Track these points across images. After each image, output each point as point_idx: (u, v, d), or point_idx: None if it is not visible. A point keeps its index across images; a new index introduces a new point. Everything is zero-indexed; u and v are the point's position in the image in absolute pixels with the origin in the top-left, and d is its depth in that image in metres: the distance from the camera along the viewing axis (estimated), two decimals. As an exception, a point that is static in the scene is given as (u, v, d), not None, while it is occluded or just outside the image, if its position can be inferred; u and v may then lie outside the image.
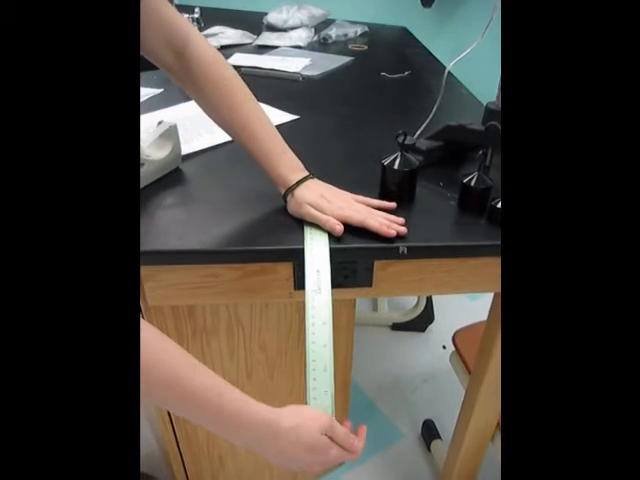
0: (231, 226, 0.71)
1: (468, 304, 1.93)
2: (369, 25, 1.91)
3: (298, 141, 0.75)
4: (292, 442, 0.57)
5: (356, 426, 0.65)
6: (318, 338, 0.61)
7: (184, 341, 0.87)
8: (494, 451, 1.07)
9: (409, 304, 1.87)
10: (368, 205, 0.72)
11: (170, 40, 0.67)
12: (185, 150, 0.89)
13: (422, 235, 0.70)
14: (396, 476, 1.38)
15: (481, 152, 0.74)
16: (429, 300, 1.85)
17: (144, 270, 0.68)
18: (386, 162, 0.75)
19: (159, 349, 0.53)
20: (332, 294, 0.63)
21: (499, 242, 0.69)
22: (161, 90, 1.22)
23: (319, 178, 0.74)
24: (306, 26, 1.82)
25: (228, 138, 0.89)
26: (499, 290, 0.80)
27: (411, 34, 1.94)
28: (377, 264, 0.71)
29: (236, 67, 0.73)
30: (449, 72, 0.88)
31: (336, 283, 0.70)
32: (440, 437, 1.42)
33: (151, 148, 0.80)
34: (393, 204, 0.73)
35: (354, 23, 1.88)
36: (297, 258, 0.67)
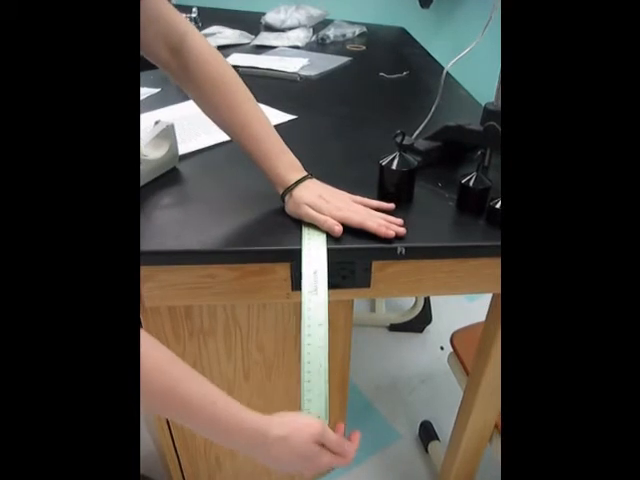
0: (228, 226, 0.71)
1: (466, 305, 1.93)
2: (367, 25, 1.91)
3: (296, 141, 0.75)
4: (282, 450, 0.58)
5: (352, 429, 0.65)
6: (314, 339, 0.61)
7: (181, 342, 0.86)
8: (492, 452, 1.07)
9: (407, 305, 1.87)
10: (366, 206, 0.72)
11: (167, 38, 0.67)
12: (182, 150, 0.89)
13: (420, 236, 0.69)
14: (393, 477, 1.37)
15: (480, 152, 0.74)
16: (427, 301, 1.85)
17: (141, 270, 0.68)
18: (384, 162, 0.75)
19: (156, 359, 0.53)
20: (329, 295, 0.63)
21: (498, 243, 0.68)
22: (158, 90, 1.22)
23: (317, 178, 0.74)
24: (304, 26, 1.82)
25: (225, 138, 0.88)
26: (498, 291, 0.80)
27: (409, 34, 1.94)
28: (375, 265, 0.71)
29: (234, 67, 0.73)
30: (447, 72, 0.88)
31: (334, 284, 0.70)
32: (438, 438, 1.41)
33: (148, 147, 0.80)
34: (391, 205, 0.73)
35: (352, 23, 1.88)
36: (295, 259, 0.66)
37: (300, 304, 0.63)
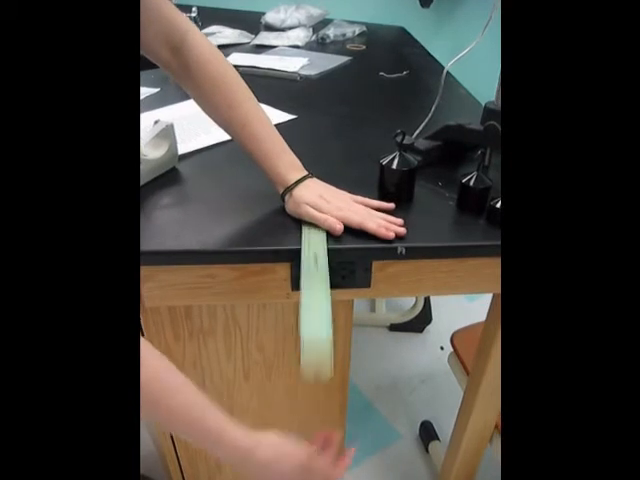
0: (228, 226, 0.70)
1: (466, 305, 1.93)
2: (367, 25, 1.90)
3: (296, 141, 0.74)
4: (266, 473, 0.58)
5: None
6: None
7: (181, 342, 0.86)
8: (492, 452, 1.07)
9: (407, 305, 1.87)
10: (367, 206, 0.72)
11: (168, 37, 0.67)
12: (182, 150, 0.89)
13: (421, 235, 0.69)
14: (394, 477, 1.37)
15: (480, 152, 0.74)
16: (427, 301, 1.85)
17: (141, 270, 0.68)
18: (384, 162, 0.75)
19: (152, 368, 0.53)
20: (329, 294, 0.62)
21: (498, 242, 0.68)
22: (158, 89, 1.22)
23: (318, 178, 0.74)
24: (304, 26, 1.81)
25: (225, 137, 0.88)
26: (498, 291, 0.80)
27: (409, 34, 1.94)
28: (375, 265, 0.71)
29: (234, 67, 0.73)
30: (447, 72, 0.88)
31: (334, 284, 0.69)
32: (438, 438, 1.41)
33: (147, 147, 0.80)
34: (392, 205, 0.73)
35: (352, 23, 1.88)
36: (295, 258, 0.66)
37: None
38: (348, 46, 1.70)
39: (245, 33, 1.71)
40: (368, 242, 0.67)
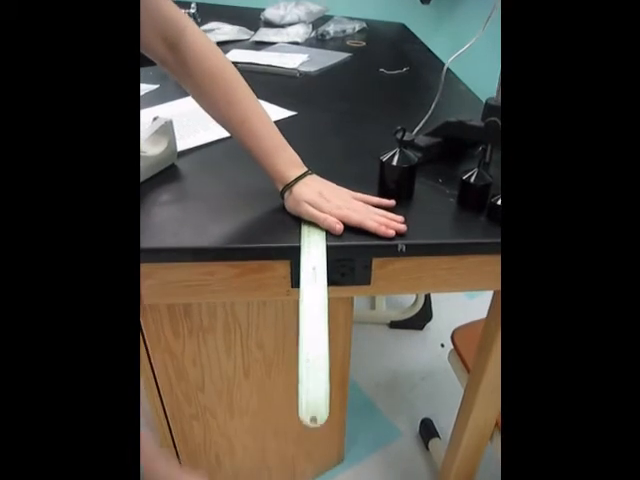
0: (227, 223, 0.70)
1: (466, 302, 1.93)
2: (367, 21, 1.90)
3: (296, 137, 0.74)
4: None
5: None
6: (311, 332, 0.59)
7: (180, 340, 0.86)
8: (493, 450, 1.07)
9: (407, 302, 1.87)
10: (367, 203, 0.71)
11: (166, 33, 0.66)
12: (181, 146, 0.88)
13: (421, 232, 0.69)
14: (394, 474, 1.37)
15: (481, 148, 0.74)
16: (427, 298, 1.84)
17: (140, 268, 0.68)
18: (385, 158, 0.74)
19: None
20: (329, 292, 0.62)
21: (499, 240, 0.68)
22: (157, 86, 1.21)
23: (317, 175, 0.73)
24: (304, 22, 1.81)
25: (224, 134, 0.88)
26: (498, 288, 0.79)
27: (409, 30, 1.93)
28: (375, 262, 0.70)
29: (233, 63, 0.72)
30: (448, 68, 0.87)
31: (333, 281, 0.69)
32: (438, 436, 1.41)
33: (146, 144, 0.79)
34: (392, 202, 0.72)
35: (352, 19, 1.87)
36: (294, 256, 0.66)
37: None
38: (348, 42, 1.69)
39: (244, 29, 1.70)
40: (368, 239, 0.67)
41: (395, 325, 1.84)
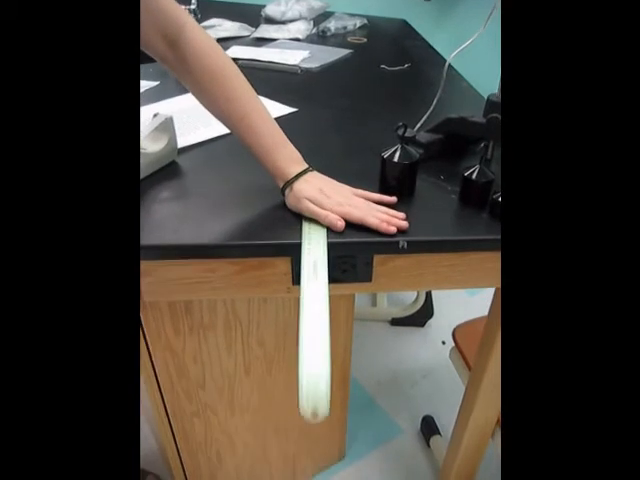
0: (228, 220, 0.70)
1: (467, 299, 1.92)
2: (368, 18, 1.89)
3: (297, 134, 0.74)
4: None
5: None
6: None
7: (181, 337, 0.86)
8: (494, 447, 1.07)
9: (408, 299, 1.87)
10: (368, 199, 0.71)
11: (165, 30, 0.66)
12: (181, 143, 0.88)
13: (422, 229, 0.69)
14: (395, 472, 1.37)
15: (482, 145, 0.73)
16: (428, 295, 1.84)
17: (140, 265, 0.67)
18: (386, 155, 0.74)
19: None
20: (330, 289, 0.62)
21: (500, 236, 0.67)
22: (157, 83, 1.21)
23: (318, 171, 0.73)
24: (305, 18, 1.80)
25: (225, 131, 0.87)
26: (500, 285, 0.79)
27: (411, 27, 1.93)
28: (377, 259, 0.70)
29: (234, 60, 0.72)
30: (449, 64, 0.87)
31: (335, 278, 0.69)
32: (439, 433, 1.41)
33: (147, 141, 0.79)
34: (393, 198, 0.72)
35: (353, 15, 1.86)
36: (295, 253, 0.66)
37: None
38: (349, 39, 1.69)
39: (245, 26, 1.70)
40: (369, 236, 0.67)
41: (396, 322, 1.83)
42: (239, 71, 0.71)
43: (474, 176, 0.72)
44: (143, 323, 0.81)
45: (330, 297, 0.59)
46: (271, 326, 0.92)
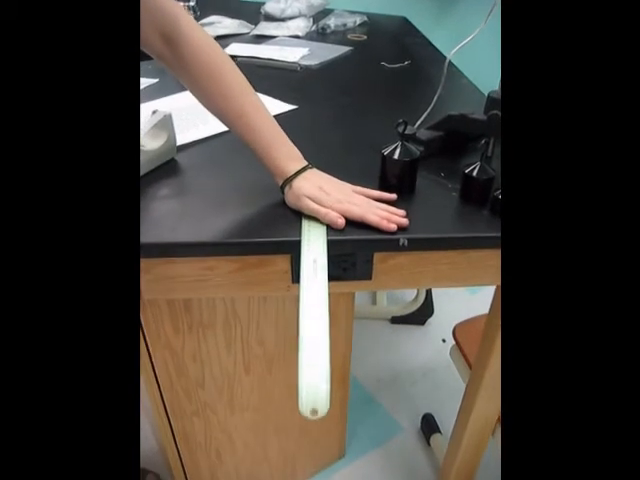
0: (228, 218, 0.69)
1: (468, 297, 1.92)
2: (368, 15, 1.88)
3: (297, 131, 0.73)
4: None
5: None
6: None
7: (180, 335, 0.85)
8: (495, 445, 1.06)
9: (408, 297, 1.86)
10: (367, 196, 0.70)
11: (161, 27, 0.65)
12: (180, 140, 0.87)
13: (423, 227, 0.68)
14: (395, 470, 1.37)
15: (483, 142, 0.73)
16: (429, 293, 1.84)
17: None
18: (386, 152, 0.74)
19: None
20: (330, 287, 0.61)
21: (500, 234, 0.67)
22: (156, 80, 1.20)
23: (318, 169, 0.72)
24: (304, 16, 1.79)
25: (224, 128, 0.86)
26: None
27: (411, 24, 1.92)
28: (377, 256, 0.70)
29: (233, 57, 0.71)
30: (450, 61, 0.86)
31: (335, 276, 0.69)
32: (440, 431, 1.41)
33: (145, 138, 0.79)
34: (393, 195, 0.72)
35: (353, 13, 1.85)
36: (295, 250, 0.65)
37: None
38: (349, 36, 1.68)
39: (245, 23, 1.69)
40: (369, 234, 0.66)
41: (396, 320, 1.83)
42: (237, 68, 0.70)
43: (475, 173, 0.71)
44: (142, 322, 0.80)
45: (330, 295, 0.59)
46: (271, 325, 0.91)
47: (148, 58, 0.68)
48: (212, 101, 0.70)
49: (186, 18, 0.67)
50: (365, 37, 1.68)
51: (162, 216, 0.69)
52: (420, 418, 1.47)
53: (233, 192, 0.75)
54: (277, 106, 1.06)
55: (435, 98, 0.90)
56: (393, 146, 0.73)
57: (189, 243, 0.65)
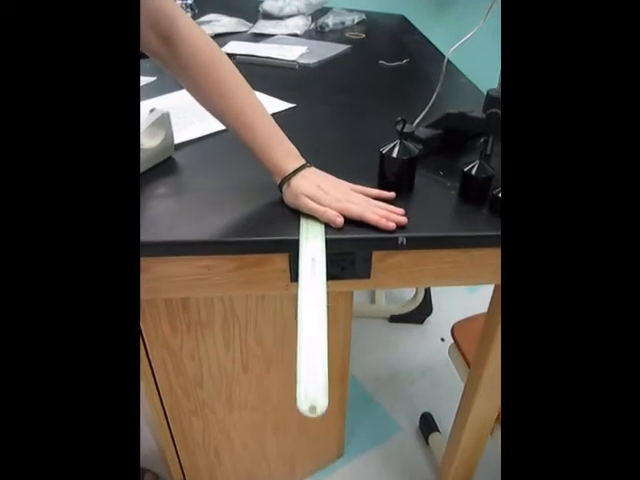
0: (226, 216, 0.69)
1: (467, 296, 1.92)
2: (367, 13, 1.88)
3: (295, 130, 0.73)
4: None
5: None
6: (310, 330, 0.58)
7: (178, 334, 0.85)
8: (493, 445, 1.06)
9: (407, 296, 1.86)
10: (366, 195, 0.70)
11: (157, 25, 0.65)
12: (178, 139, 0.87)
13: (422, 225, 0.68)
14: (394, 469, 1.37)
15: (482, 140, 0.73)
16: (427, 292, 1.84)
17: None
18: (385, 150, 0.73)
19: None
20: (328, 286, 0.61)
21: (500, 232, 0.67)
22: (154, 78, 1.20)
23: (317, 167, 0.72)
24: (303, 14, 1.79)
25: (222, 127, 0.86)
26: (500, 282, 0.78)
27: (409, 22, 1.92)
28: (375, 255, 0.69)
29: (231, 55, 0.71)
30: (448, 60, 0.86)
31: (333, 274, 0.68)
32: (438, 430, 1.41)
33: (143, 136, 0.78)
34: (392, 194, 0.71)
35: (351, 11, 1.85)
36: (293, 249, 0.65)
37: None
38: (347, 34, 1.68)
39: (243, 21, 1.69)
40: (368, 232, 0.66)
41: (395, 319, 1.83)
42: (234, 67, 0.70)
43: (474, 172, 0.71)
44: (140, 320, 0.80)
45: (328, 294, 0.59)
46: (269, 324, 0.91)
47: (146, 56, 0.68)
48: (210, 100, 0.70)
49: (184, 18, 0.67)
50: (363, 35, 1.68)
51: (160, 215, 0.69)
52: (419, 417, 1.47)
53: (231, 191, 0.75)
54: (275, 104, 1.05)
55: (434, 96, 0.90)
56: (392, 144, 0.73)
57: (187, 242, 0.65)
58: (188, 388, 0.94)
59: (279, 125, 0.71)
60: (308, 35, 1.67)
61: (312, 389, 0.49)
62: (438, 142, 0.85)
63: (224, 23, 1.64)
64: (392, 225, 0.65)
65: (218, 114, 0.71)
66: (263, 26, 1.68)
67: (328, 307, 0.57)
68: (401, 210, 0.68)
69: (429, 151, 0.83)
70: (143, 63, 1.25)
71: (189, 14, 1.66)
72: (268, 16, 1.79)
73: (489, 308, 0.89)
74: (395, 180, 0.74)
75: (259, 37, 1.60)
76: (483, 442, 1.08)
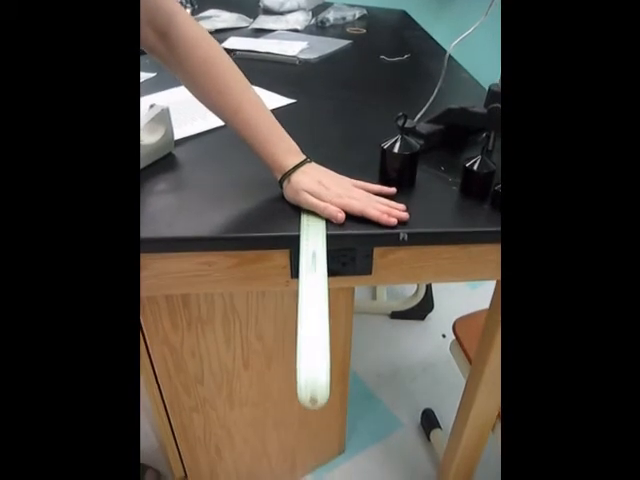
0: (226, 212, 0.69)
1: (468, 292, 1.92)
2: (367, 8, 1.87)
3: (295, 125, 0.72)
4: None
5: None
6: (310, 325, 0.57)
7: (179, 331, 0.85)
8: (495, 441, 1.06)
9: (408, 292, 1.86)
10: (367, 190, 0.70)
11: (154, 20, 0.64)
12: (178, 135, 0.87)
13: (423, 221, 0.68)
14: (395, 465, 1.37)
15: (484, 135, 0.72)
16: (429, 288, 1.83)
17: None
18: (386, 146, 0.73)
19: None
20: (329, 282, 0.61)
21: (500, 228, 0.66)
22: (154, 74, 1.19)
23: (318, 163, 0.72)
24: (303, 9, 1.78)
25: (222, 123, 0.86)
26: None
27: (410, 17, 1.91)
28: (377, 251, 0.69)
29: (231, 51, 0.71)
30: (449, 55, 0.86)
31: (334, 271, 0.68)
32: (440, 426, 1.41)
33: (143, 132, 0.78)
34: (393, 189, 0.71)
35: (352, 6, 1.84)
36: (294, 245, 0.65)
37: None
38: (348, 30, 1.67)
39: (243, 17, 1.68)
40: (369, 228, 0.66)
41: (396, 315, 1.83)
42: (233, 64, 0.69)
43: (475, 167, 0.71)
44: (141, 316, 0.80)
45: (329, 290, 0.58)
46: (270, 320, 0.91)
47: (146, 52, 0.67)
48: (208, 97, 0.69)
49: (183, 14, 0.66)
50: (364, 31, 1.67)
51: (159, 211, 0.69)
52: (420, 413, 1.47)
53: (231, 187, 0.74)
54: (276, 100, 1.05)
55: (435, 91, 0.90)
56: (393, 140, 0.73)
57: (187, 238, 0.65)
58: (189, 385, 0.94)
59: (280, 121, 0.71)
60: (309, 30, 1.66)
61: (312, 380, 0.49)
62: (439, 137, 0.85)
63: (224, 18, 1.64)
64: (393, 221, 0.65)
65: (217, 110, 0.70)
66: (263, 21, 1.68)
67: (329, 304, 0.56)
68: (402, 206, 0.68)
69: (430, 146, 0.83)
70: (143, 59, 1.24)
71: (189, 10, 1.66)
72: (268, 11, 1.78)
73: (491, 304, 0.89)
74: (396, 176, 0.74)
75: (259, 32, 1.60)
76: (484, 438, 1.08)
